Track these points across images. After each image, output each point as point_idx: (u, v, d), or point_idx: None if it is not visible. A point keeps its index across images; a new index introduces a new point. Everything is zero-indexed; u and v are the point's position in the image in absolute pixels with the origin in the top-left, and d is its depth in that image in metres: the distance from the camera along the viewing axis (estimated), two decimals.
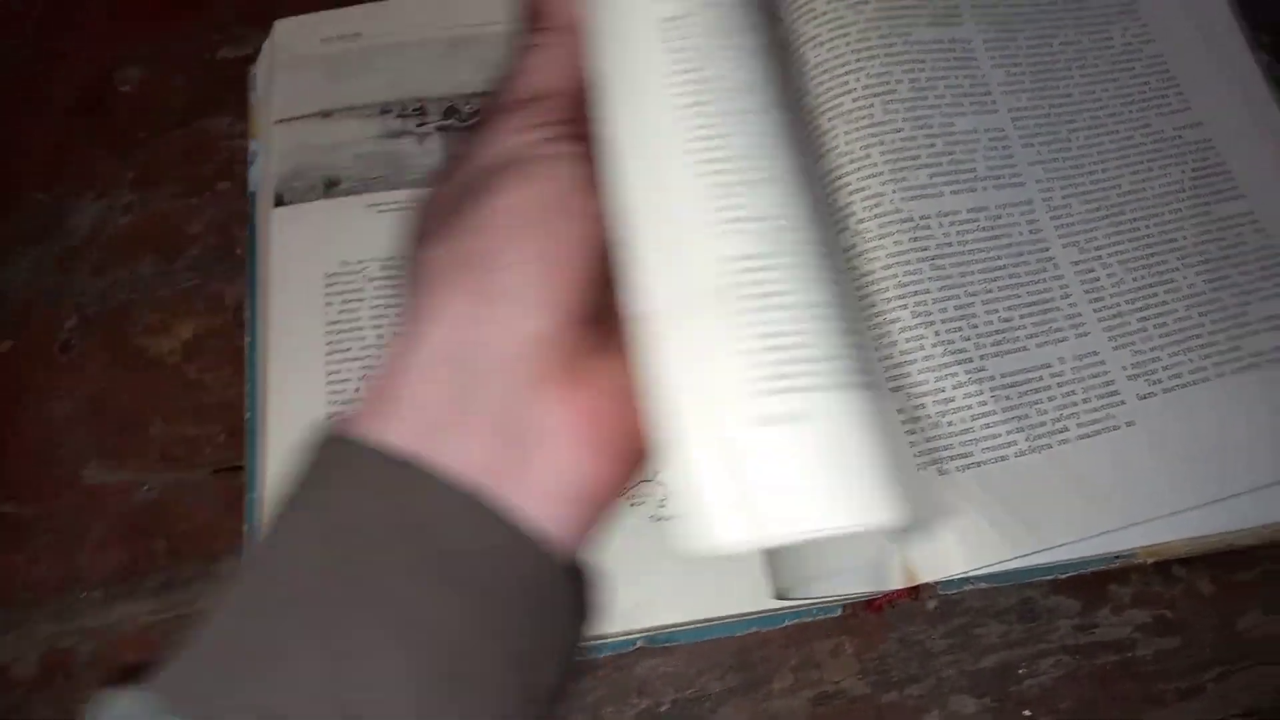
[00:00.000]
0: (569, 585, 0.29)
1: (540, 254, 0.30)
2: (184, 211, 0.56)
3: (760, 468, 0.27)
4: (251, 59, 0.58)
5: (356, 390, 0.49)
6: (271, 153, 0.54)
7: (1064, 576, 0.43)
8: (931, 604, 0.44)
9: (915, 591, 0.43)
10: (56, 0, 0.61)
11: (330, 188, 0.53)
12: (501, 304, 0.30)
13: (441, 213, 0.31)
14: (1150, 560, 0.43)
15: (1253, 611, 0.43)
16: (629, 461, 0.31)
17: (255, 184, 0.55)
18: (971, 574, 0.42)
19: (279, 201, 0.53)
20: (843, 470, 0.27)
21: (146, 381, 0.52)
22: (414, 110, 0.55)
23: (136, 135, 0.58)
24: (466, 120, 0.54)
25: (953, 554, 0.41)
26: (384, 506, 0.27)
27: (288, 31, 0.58)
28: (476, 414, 0.29)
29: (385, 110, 0.55)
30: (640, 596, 0.44)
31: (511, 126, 0.32)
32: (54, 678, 0.46)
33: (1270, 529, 0.42)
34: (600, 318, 0.31)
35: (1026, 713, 0.42)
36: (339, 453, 0.28)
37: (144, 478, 0.50)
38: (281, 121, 0.55)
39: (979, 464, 0.41)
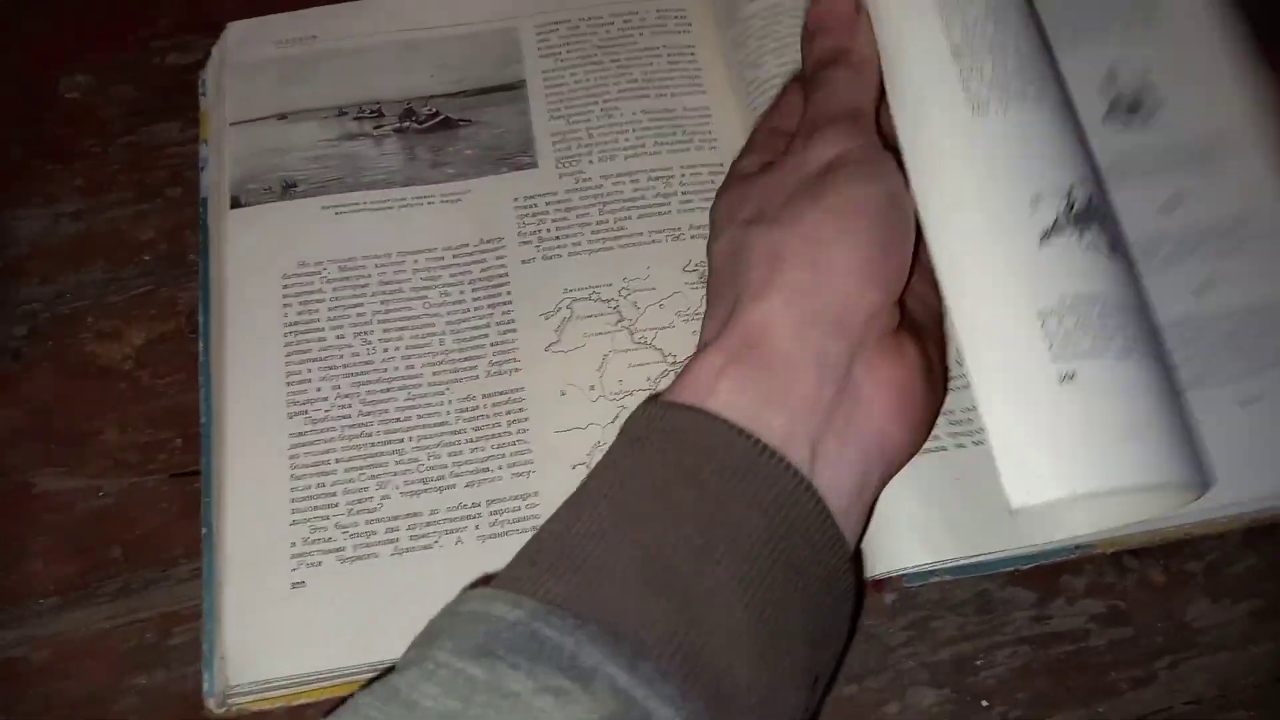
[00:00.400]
0: (854, 575, 0.33)
1: (877, 240, 0.35)
2: (134, 218, 0.55)
3: (1069, 425, 0.33)
4: (200, 65, 0.57)
5: (318, 390, 0.48)
6: (224, 156, 0.54)
7: (1024, 569, 0.44)
8: (891, 597, 0.44)
9: (880, 585, 0.44)
10: None
11: (287, 190, 0.52)
12: (841, 277, 0.34)
13: (768, 204, 0.36)
14: (1109, 551, 0.43)
15: (1200, 600, 0.43)
16: (921, 435, 0.37)
17: (206, 189, 0.54)
18: (937, 566, 0.42)
19: (235, 204, 0.53)
20: (1145, 428, 0.33)
21: (99, 389, 0.51)
22: (371, 113, 0.55)
23: (83, 143, 0.57)
24: (424, 122, 0.54)
25: (919, 547, 0.42)
26: (739, 485, 0.31)
27: (241, 34, 0.57)
28: (816, 367, 0.33)
29: (342, 112, 0.55)
30: None
31: (839, 136, 0.37)
32: (4, 685, 0.45)
33: (1220, 520, 0.43)
34: (905, 302, 0.36)
35: (984, 703, 0.42)
36: (694, 422, 0.32)
37: (98, 484, 0.49)
38: (237, 124, 0.55)
39: None
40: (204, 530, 0.47)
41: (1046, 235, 0.34)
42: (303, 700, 0.44)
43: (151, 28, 0.60)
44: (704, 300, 0.44)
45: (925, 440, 0.37)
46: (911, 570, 0.43)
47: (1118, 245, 0.36)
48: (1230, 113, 0.49)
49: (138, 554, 0.48)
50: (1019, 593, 0.44)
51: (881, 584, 0.44)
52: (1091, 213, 0.35)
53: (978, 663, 0.43)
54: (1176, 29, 0.51)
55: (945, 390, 0.39)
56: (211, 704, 0.43)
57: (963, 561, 0.43)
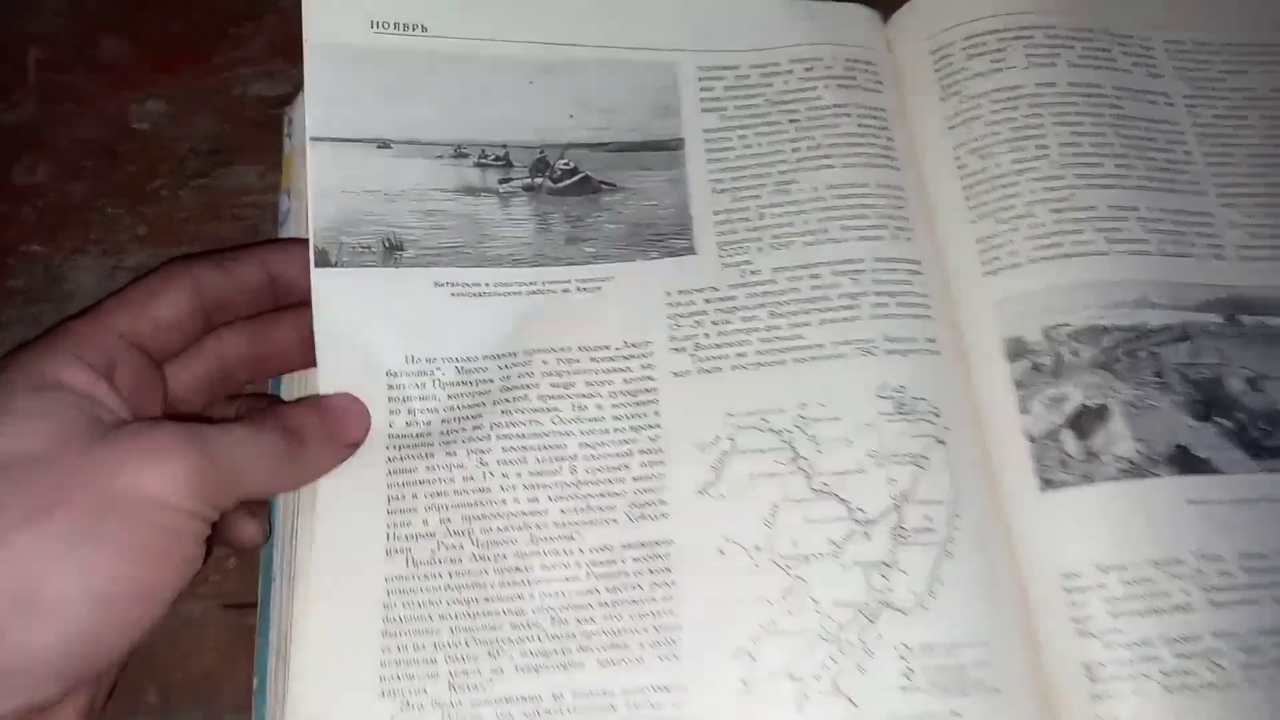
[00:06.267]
0: None
1: None
2: None
3: None
4: (287, 99, 0.47)
5: (425, 524, 0.40)
6: (304, 188, 0.44)
7: None
8: None
9: None
10: (70, 24, 0.51)
11: (392, 252, 0.42)
12: None
13: None
14: None
15: None
16: None
17: None
18: None
19: (323, 260, 0.42)
20: None
21: None
22: (496, 159, 0.44)
23: (151, 184, 0.48)
24: (559, 180, 0.44)
25: None
26: None
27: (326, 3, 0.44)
28: None
29: (461, 153, 0.45)
30: None
31: None
32: None
33: None
34: None
35: None
36: None
37: None
38: (322, 141, 0.43)
39: None
40: (255, 680, 0.39)
41: None
42: None
43: (239, 49, 0.50)
44: (902, 437, 0.37)
45: None
46: None
47: None
48: None
49: (177, 700, 0.41)
50: None
51: None
52: None
53: None
54: None
55: None
56: None
57: None
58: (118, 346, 0.36)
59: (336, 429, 0.39)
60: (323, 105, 0.43)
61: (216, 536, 0.39)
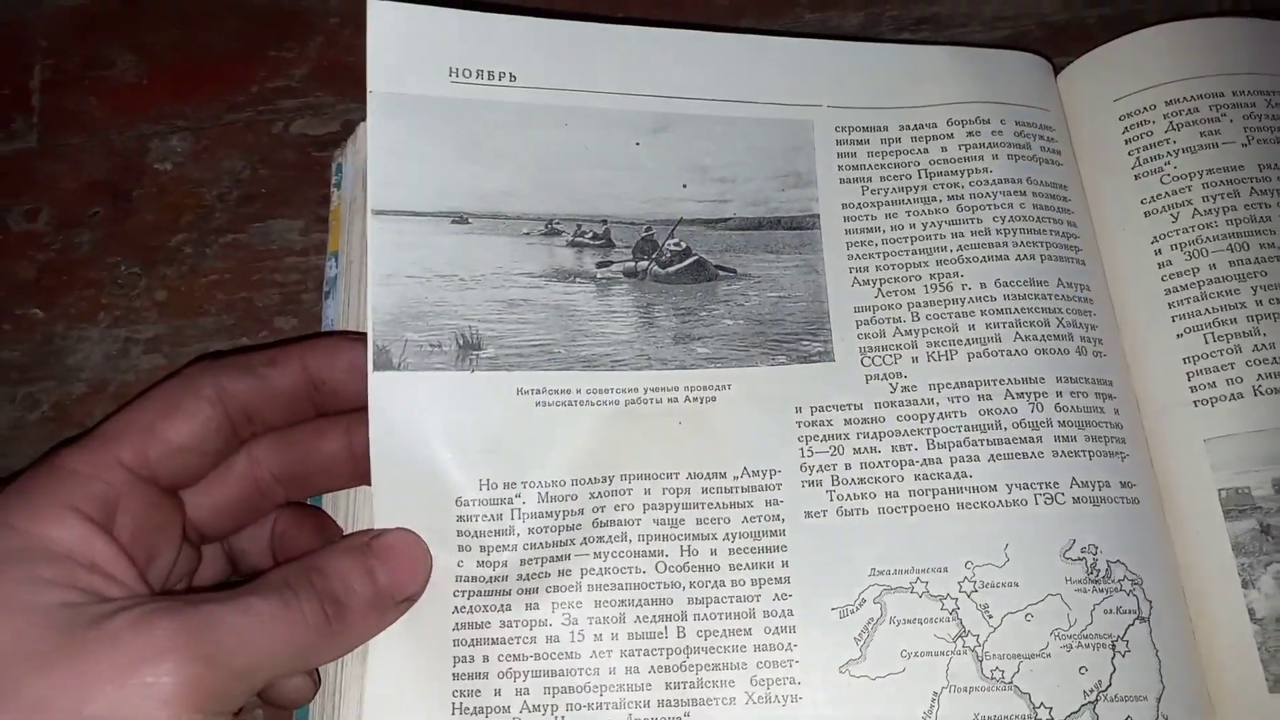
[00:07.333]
0: None
1: None
2: None
3: None
4: (336, 140, 0.39)
5: (496, 695, 0.32)
6: (355, 254, 0.36)
7: None
8: None
9: None
10: (80, 38, 0.44)
11: (466, 352, 0.34)
12: None
13: None
14: None
15: None
16: None
17: (332, 326, 0.36)
18: None
19: (384, 362, 0.34)
20: None
21: None
22: (593, 237, 0.36)
23: (172, 239, 0.41)
24: (667, 264, 0.36)
25: None
26: None
27: (393, 33, 0.36)
28: None
29: (552, 229, 0.37)
30: None
31: None
32: None
33: None
34: None
35: None
36: None
37: None
38: (385, 214, 0.36)
39: None
40: None
41: None
42: None
43: (279, 76, 0.42)
44: (1096, 612, 0.31)
45: None
46: None
47: None
48: None
49: None
50: None
51: None
52: None
53: None
54: None
55: None
56: None
57: None
58: (122, 482, 0.30)
59: (390, 585, 0.32)
60: (387, 170, 0.36)
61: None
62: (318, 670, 0.34)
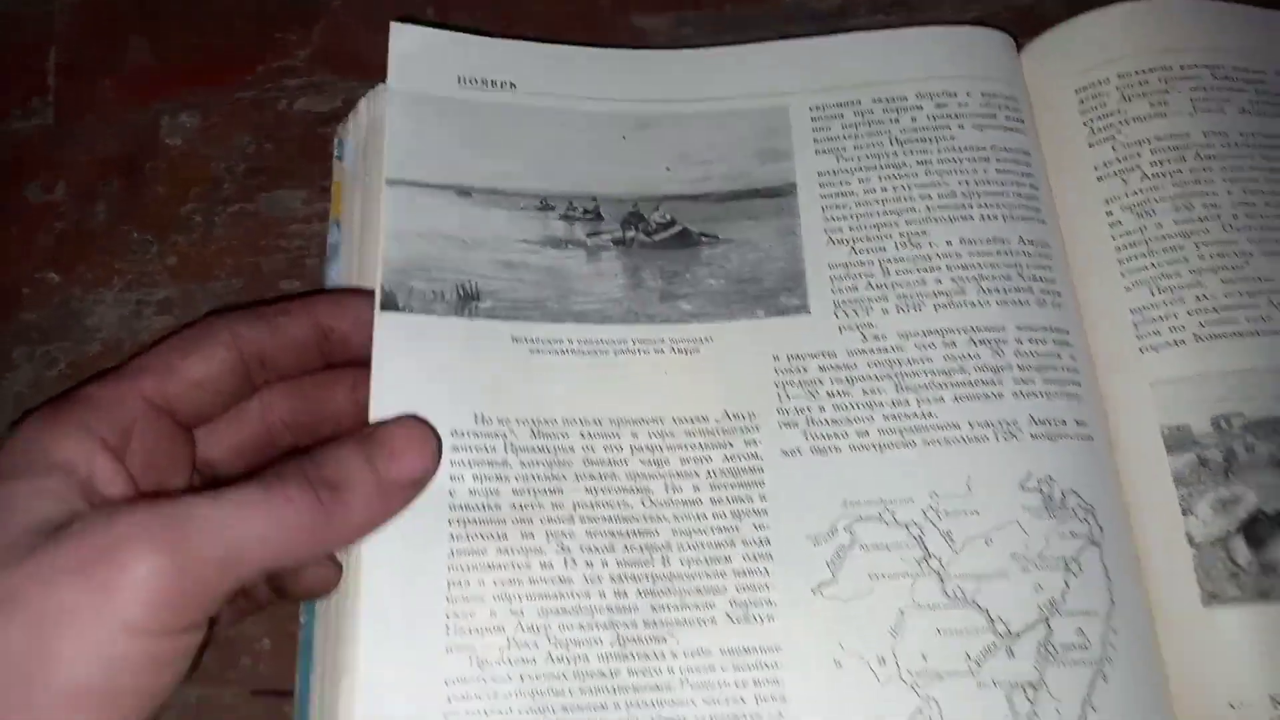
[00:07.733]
0: None
1: None
2: None
3: None
4: (337, 116, 0.42)
5: (492, 616, 0.34)
6: (356, 219, 0.40)
7: None
8: None
9: None
10: (95, 23, 0.47)
11: (466, 301, 0.37)
12: None
13: None
14: None
15: None
16: None
17: (334, 286, 0.38)
18: None
19: (390, 303, 0.36)
20: None
21: None
22: (585, 212, 0.39)
23: (182, 209, 0.43)
24: (654, 233, 0.39)
25: None
26: None
27: (413, 45, 0.41)
28: None
29: (546, 205, 0.40)
30: None
31: None
32: None
33: None
34: None
35: None
36: None
37: None
38: (398, 184, 0.39)
39: None
40: None
41: None
42: None
43: (283, 57, 0.45)
44: (1051, 537, 0.33)
45: None
46: None
47: None
48: None
49: None
50: None
51: None
52: None
53: None
54: None
55: None
56: None
57: None
58: (139, 411, 0.32)
59: (391, 468, 0.32)
60: (402, 150, 0.39)
61: (264, 595, 0.35)
62: (338, 562, 0.34)
